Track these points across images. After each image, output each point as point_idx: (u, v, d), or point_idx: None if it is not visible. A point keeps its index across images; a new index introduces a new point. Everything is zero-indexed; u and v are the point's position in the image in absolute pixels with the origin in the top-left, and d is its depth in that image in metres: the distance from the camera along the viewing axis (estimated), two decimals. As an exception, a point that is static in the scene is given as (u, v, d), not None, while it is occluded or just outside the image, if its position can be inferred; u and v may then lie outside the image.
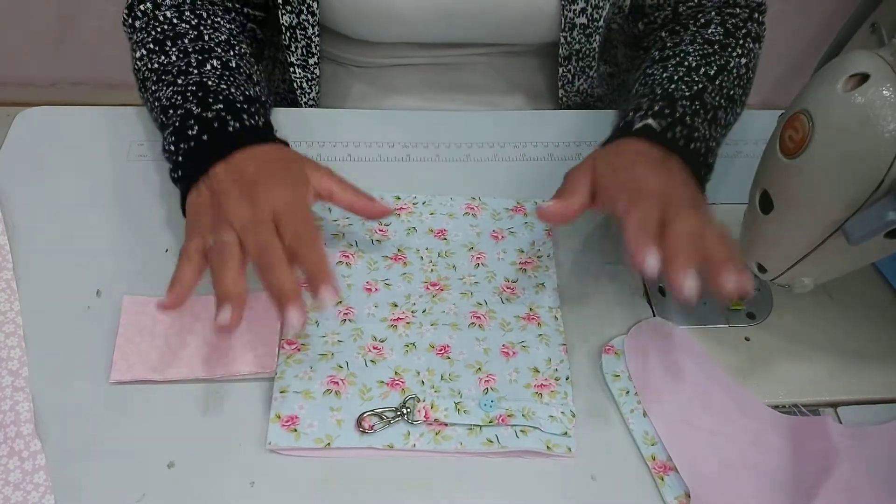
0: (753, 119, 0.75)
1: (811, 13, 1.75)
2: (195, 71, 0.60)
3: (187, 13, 0.65)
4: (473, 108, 0.79)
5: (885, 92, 0.42)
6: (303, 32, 0.70)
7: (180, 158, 0.56)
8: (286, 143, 0.59)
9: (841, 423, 0.54)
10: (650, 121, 0.58)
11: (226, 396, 0.52)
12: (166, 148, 0.58)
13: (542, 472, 0.50)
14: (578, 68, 0.74)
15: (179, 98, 0.58)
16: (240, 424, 0.51)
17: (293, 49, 0.71)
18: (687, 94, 0.61)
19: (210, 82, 0.59)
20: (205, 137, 0.56)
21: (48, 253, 0.59)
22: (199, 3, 0.66)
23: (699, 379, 0.55)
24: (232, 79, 0.61)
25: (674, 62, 0.66)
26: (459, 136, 0.71)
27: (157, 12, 0.64)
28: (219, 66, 0.61)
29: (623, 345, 0.56)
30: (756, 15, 0.71)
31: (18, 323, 0.55)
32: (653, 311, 0.59)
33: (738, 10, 0.71)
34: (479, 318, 0.58)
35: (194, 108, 0.57)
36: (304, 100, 0.76)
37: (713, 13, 0.71)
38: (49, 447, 0.49)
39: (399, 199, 0.65)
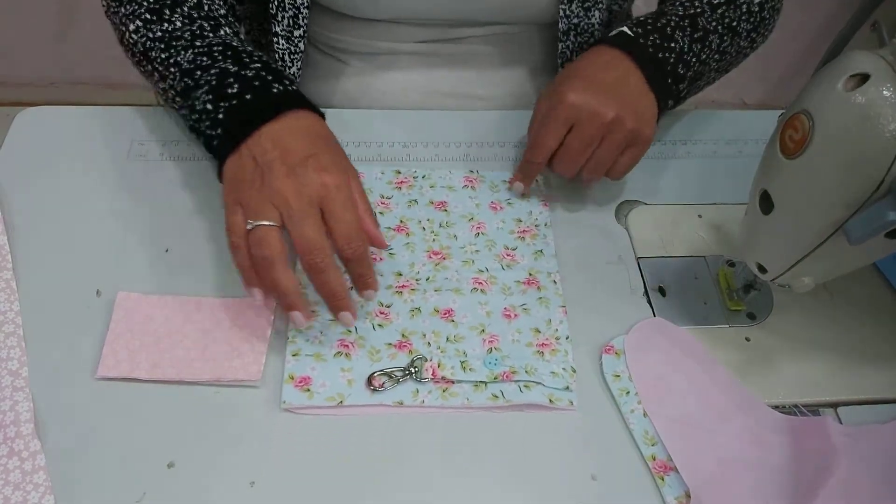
0: (753, 119, 0.76)
1: (812, 13, 1.74)
2: (210, 35, 0.57)
3: None
4: (471, 88, 0.78)
5: (885, 92, 0.42)
6: (291, 2, 0.68)
7: (220, 116, 0.53)
8: (323, 116, 0.57)
9: (841, 423, 0.54)
10: (625, 28, 0.60)
11: (226, 396, 0.52)
12: (198, 108, 0.54)
13: (542, 472, 0.50)
14: (577, 43, 0.73)
15: (206, 59, 0.55)
16: (240, 424, 0.51)
17: (279, 18, 0.68)
18: (680, 12, 0.64)
19: (235, 43, 0.56)
20: (248, 97, 0.53)
21: (48, 253, 0.59)
22: None
23: (699, 379, 0.55)
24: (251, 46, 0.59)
25: None
26: (459, 136, 0.71)
27: None
28: (231, 34, 0.58)
29: (623, 345, 0.56)
30: None
31: (18, 323, 0.55)
32: (653, 311, 0.59)
33: None
34: (480, 283, 0.59)
35: (231, 66, 0.54)
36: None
37: None
38: (49, 447, 0.49)
39: (399, 172, 0.67)
